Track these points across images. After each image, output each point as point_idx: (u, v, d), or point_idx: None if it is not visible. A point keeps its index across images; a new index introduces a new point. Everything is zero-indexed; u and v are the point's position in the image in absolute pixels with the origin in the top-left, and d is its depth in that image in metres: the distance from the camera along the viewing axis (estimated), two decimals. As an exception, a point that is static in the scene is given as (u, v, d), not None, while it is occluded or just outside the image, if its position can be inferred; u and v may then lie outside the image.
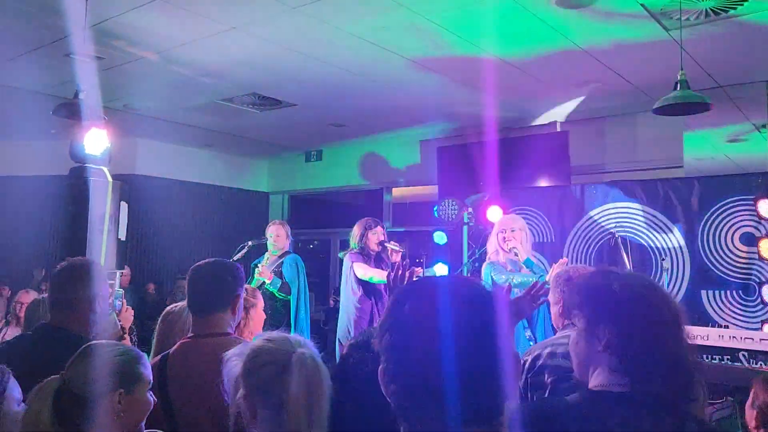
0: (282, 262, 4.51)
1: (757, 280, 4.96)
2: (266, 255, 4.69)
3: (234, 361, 1.49)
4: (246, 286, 2.87)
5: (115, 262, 4.44)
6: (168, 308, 2.61)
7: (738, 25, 4.24)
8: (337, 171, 8.85)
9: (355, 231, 4.61)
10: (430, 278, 1.02)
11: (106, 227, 4.41)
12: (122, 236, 4.57)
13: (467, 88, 5.69)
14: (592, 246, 5.85)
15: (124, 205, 4.63)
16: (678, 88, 3.61)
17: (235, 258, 4.63)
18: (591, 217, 5.86)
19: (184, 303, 2.64)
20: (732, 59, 4.90)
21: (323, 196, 9.66)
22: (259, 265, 4.61)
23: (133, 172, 7.82)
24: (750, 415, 1.96)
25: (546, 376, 2.13)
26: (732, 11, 4.04)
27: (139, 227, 7.87)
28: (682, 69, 3.70)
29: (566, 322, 2.28)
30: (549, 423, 1.21)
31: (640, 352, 1.22)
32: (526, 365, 2.16)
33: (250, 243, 4.67)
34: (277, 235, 4.62)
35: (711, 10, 4.03)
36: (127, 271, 7.24)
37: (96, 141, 4.42)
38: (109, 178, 4.48)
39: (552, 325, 2.63)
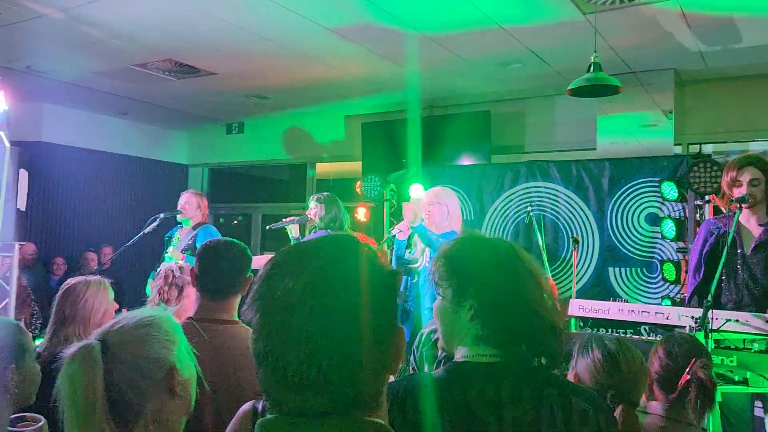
0: (195, 236, 4.36)
1: (659, 258, 5.24)
2: (177, 232, 4.51)
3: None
4: (181, 263, 2.79)
5: (14, 234, 4.17)
6: (70, 281, 2.49)
7: (650, 11, 4.40)
8: (260, 144, 8.64)
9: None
10: (303, 243, 0.90)
11: (2, 196, 4.13)
12: (21, 206, 4.30)
13: (391, 63, 5.65)
14: (509, 224, 6.00)
15: (23, 173, 4.34)
16: (591, 71, 3.71)
17: (146, 231, 4.45)
18: (509, 196, 6.01)
19: (90, 277, 2.54)
20: (643, 45, 5.10)
21: (245, 169, 9.43)
22: (173, 236, 4.45)
23: (38, 139, 7.34)
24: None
25: (440, 350, 2.15)
26: (644, -2, 4.19)
27: (46, 198, 7.43)
28: (595, 52, 3.80)
29: None
30: (400, 401, 1.17)
31: (504, 320, 1.21)
32: (422, 338, 2.15)
33: (161, 215, 4.48)
34: (186, 202, 4.44)
35: (625, -4, 4.16)
36: (32, 248, 6.83)
37: (-9, 103, 4.11)
38: (7, 144, 4.18)
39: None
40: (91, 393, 1.12)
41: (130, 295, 5.84)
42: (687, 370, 1.89)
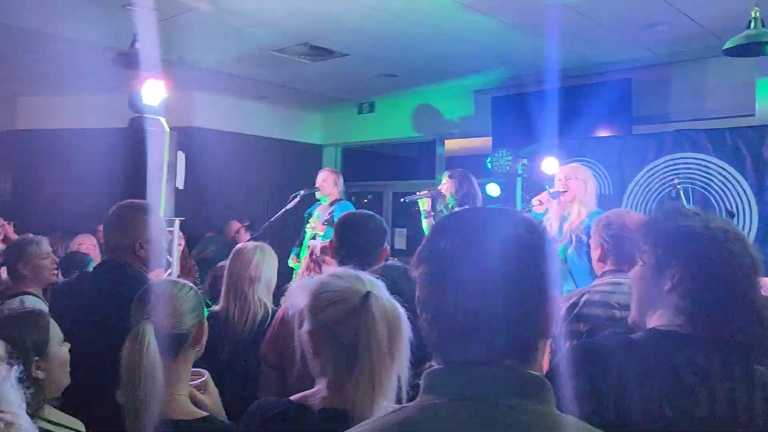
0: (333, 211, 4.55)
1: (831, 235, 4.69)
2: (317, 208, 4.73)
3: (298, 293, 1.46)
4: (326, 242, 2.97)
5: (174, 211, 4.58)
6: (239, 246, 2.71)
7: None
8: (390, 123, 8.77)
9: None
10: (472, 209, 0.98)
11: (164, 176, 4.54)
12: (180, 185, 4.71)
13: (524, 33, 5.48)
14: (652, 198, 5.65)
15: (181, 155, 4.75)
16: (752, 27, 3.36)
17: (287, 207, 4.71)
18: (652, 169, 5.65)
19: (255, 243, 2.74)
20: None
21: (376, 148, 9.63)
22: (312, 213, 4.67)
23: (190, 125, 7.97)
24: None
25: (582, 324, 2.07)
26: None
27: (197, 178, 8.05)
28: (756, 6, 3.44)
29: (605, 269, 2.22)
30: (603, 360, 1.18)
31: (711, 295, 1.18)
32: (562, 313, 2.08)
33: (302, 192, 4.72)
34: (323, 180, 4.65)
35: (794, -60, 3.71)
36: (237, 225, 7.47)
37: (153, 91, 4.52)
38: (167, 128, 4.59)
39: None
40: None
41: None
42: None
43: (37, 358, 1.64)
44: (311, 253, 2.80)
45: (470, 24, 5.29)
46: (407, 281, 1.72)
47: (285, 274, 4.92)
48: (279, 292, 2.93)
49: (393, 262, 2.07)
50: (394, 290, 1.41)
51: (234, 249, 2.69)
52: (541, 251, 0.89)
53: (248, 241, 5.40)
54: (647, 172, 5.68)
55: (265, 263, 2.62)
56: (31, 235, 3.26)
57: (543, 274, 0.89)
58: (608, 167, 5.89)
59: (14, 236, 5.63)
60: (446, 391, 0.84)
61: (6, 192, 8.96)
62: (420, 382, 0.88)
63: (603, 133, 6.39)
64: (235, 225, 7.62)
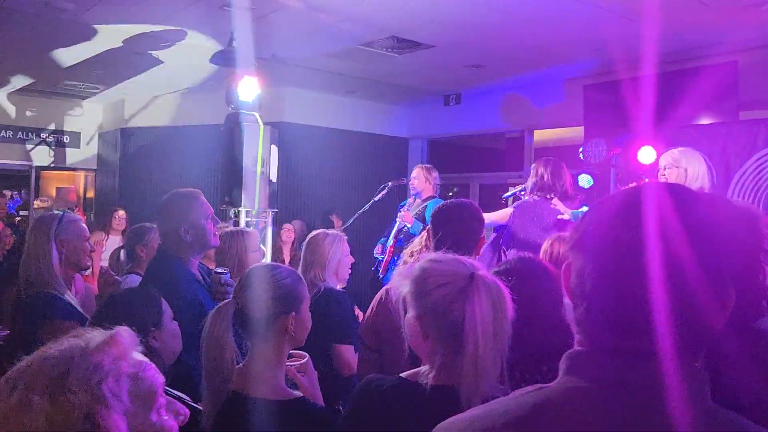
0: (425, 206, 4.58)
1: None
2: (409, 200, 4.79)
3: (400, 281, 1.49)
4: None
5: (267, 202, 4.76)
6: (312, 233, 2.86)
7: None
8: (477, 114, 8.67)
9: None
10: (634, 189, 0.89)
11: (258, 169, 4.73)
12: (273, 178, 4.88)
13: (618, 17, 5.26)
14: (762, 189, 5.28)
15: (274, 149, 4.92)
16: None
17: (376, 198, 4.78)
18: (762, 157, 5.28)
19: (323, 230, 2.89)
20: None
21: (462, 140, 9.55)
22: (405, 204, 4.73)
23: (281, 120, 8.22)
24: None
25: None
26: None
27: (288, 172, 8.31)
28: None
29: None
30: None
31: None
32: None
33: (390, 183, 4.78)
34: (414, 177, 4.70)
35: None
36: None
37: (248, 88, 4.71)
38: (260, 123, 4.76)
39: None
40: None
41: (357, 257, 6.35)
42: None
43: (153, 328, 1.77)
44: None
45: (560, 10, 5.13)
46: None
47: (368, 263, 5.00)
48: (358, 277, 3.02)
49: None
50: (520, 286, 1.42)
51: (309, 235, 2.87)
52: (739, 245, 0.85)
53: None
54: (756, 160, 5.31)
55: (323, 247, 2.75)
56: (149, 224, 3.54)
57: (729, 268, 0.82)
58: (711, 157, 5.53)
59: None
60: (594, 374, 0.80)
61: (113, 187, 9.62)
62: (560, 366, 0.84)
63: (706, 120, 6.02)
64: (297, 224, 7.82)
